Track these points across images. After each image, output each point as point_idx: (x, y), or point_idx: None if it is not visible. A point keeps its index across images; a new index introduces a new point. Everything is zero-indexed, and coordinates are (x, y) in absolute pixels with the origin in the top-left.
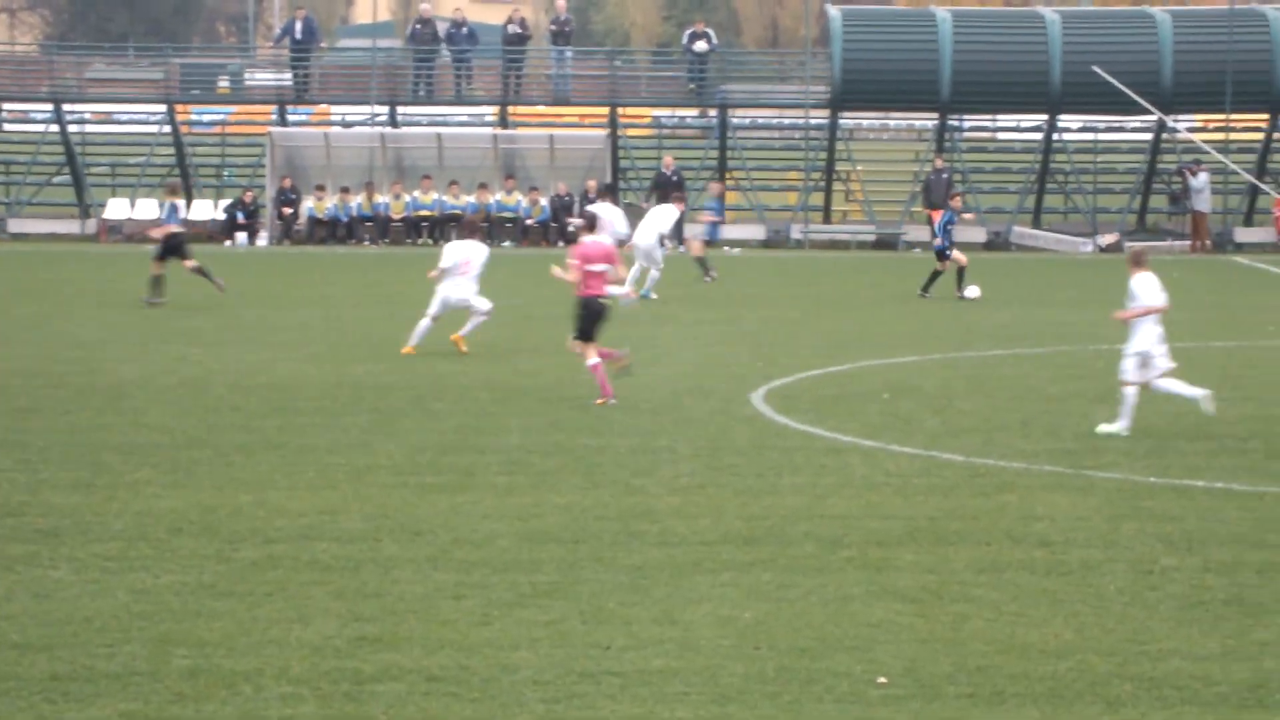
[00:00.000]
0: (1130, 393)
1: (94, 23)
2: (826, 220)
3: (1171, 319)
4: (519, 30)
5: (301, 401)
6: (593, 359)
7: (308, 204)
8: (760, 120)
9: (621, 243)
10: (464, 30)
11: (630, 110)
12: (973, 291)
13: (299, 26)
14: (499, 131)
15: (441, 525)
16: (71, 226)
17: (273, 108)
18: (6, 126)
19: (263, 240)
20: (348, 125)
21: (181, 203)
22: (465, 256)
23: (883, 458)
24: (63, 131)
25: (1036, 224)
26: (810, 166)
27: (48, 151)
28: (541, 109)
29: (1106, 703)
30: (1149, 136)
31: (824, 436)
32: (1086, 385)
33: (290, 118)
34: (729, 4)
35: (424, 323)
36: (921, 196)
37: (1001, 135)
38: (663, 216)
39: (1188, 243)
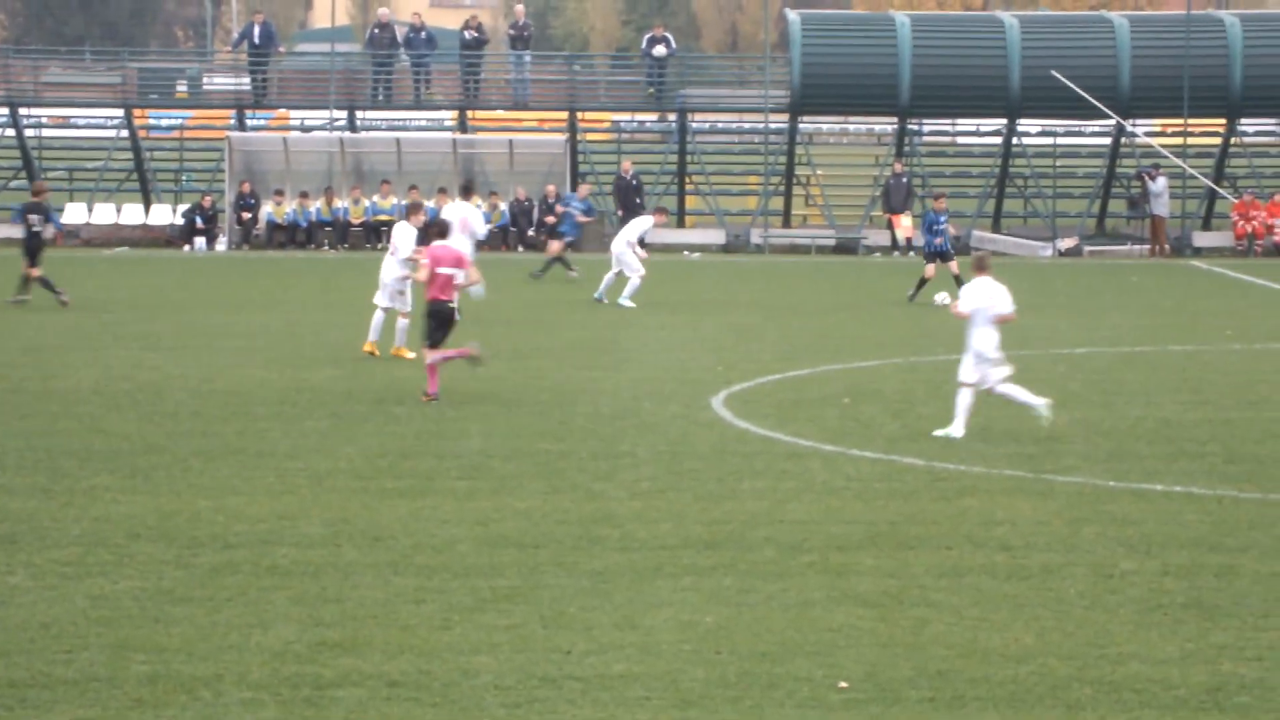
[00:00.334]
0: (965, 394)
1: (50, 27)
2: (786, 225)
3: (1130, 323)
4: (475, 35)
5: (260, 406)
6: (432, 357)
7: (266, 209)
8: (720, 125)
9: (480, 243)
10: (422, 35)
11: (589, 115)
12: (942, 298)
13: (257, 31)
14: (458, 136)
15: (402, 530)
16: None
17: (231, 112)
18: None
19: (221, 245)
20: (306, 130)
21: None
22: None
23: (843, 462)
24: (19, 136)
25: (996, 228)
26: (770, 171)
27: (3, 156)
28: (501, 113)
29: (1066, 706)
30: (1108, 141)
31: (784, 441)
32: (1046, 390)
33: (249, 122)
34: (688, 8)
35: (377, 315)
36: (881, 201)
37: (961, 139)
38: (636, 225)
39: (1146, 247)
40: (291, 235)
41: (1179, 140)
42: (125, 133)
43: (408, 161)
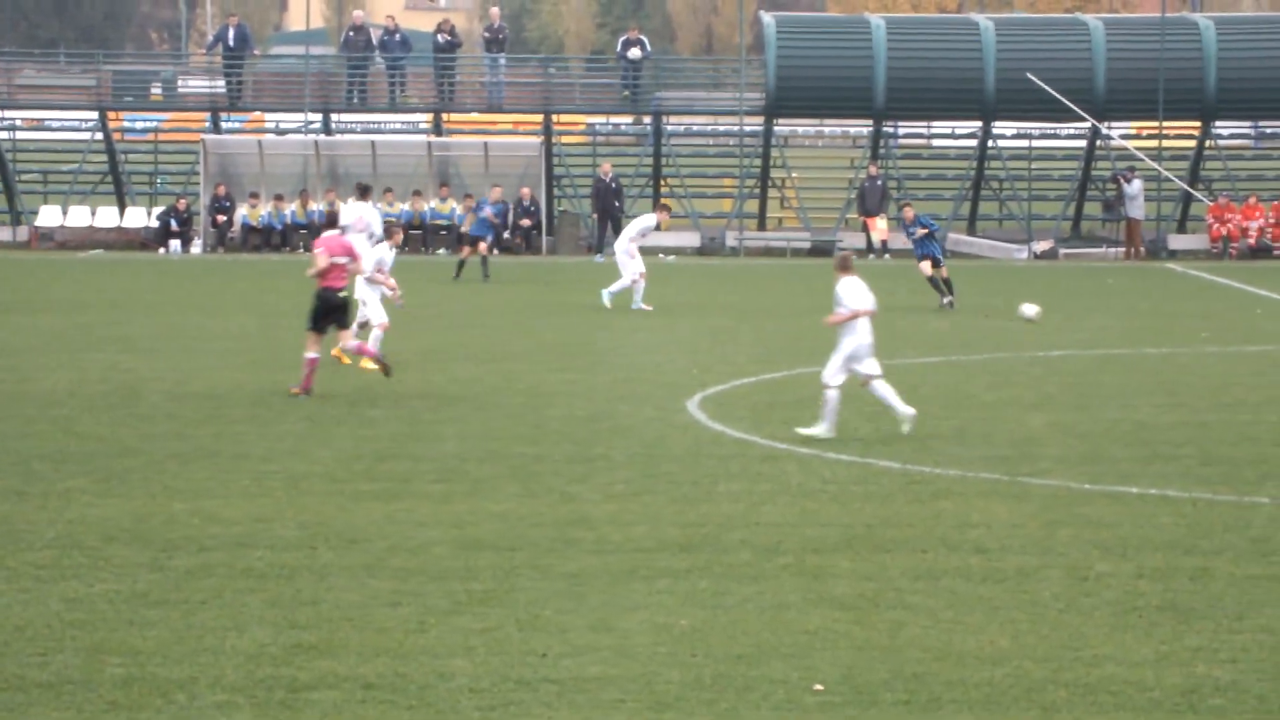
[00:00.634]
0: (832, 395)
1: (24, 29)
2: (761, 227)
3: (1106, 326)
4: (448, 38)
5: (236, 409)
6: (312, 353)
7: (241, 211)
8: (695, 127)
9: (377, 241)
10: (397, 37)
11: (564, 117)
12: (1030, 310)
13: (232, 33)
14: (433, 139)
15: (377, 533)
16: (3, 234)
17: (206, 115)
18: None
19: (196, 248)
20: (281, 132)
21: None
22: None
23: (819, 465)
24: None
25: (971, 231)
26: (745, 173)
27: None
28: (476, 116)
29: (1042, 709)
30: (1083, 143)
31: (760, 443)
32: (1021, 392)
33: (224, 125)
34: (663, 11)
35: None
36: (856, 203)
37: (936, 142)
38: (638, 224)
39: (1122, 249)
40: (266, 238)
41: (1154, 143)
42: (100, 135)
43: (383, 164)
